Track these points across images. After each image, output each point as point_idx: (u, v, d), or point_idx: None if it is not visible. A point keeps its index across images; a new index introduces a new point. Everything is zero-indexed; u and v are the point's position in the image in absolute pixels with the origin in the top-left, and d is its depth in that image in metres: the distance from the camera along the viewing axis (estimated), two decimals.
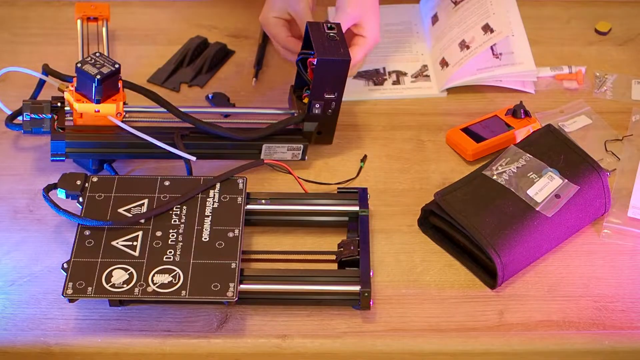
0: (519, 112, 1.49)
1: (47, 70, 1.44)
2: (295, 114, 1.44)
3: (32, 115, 1.38)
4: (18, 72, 1.45)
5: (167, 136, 1.39)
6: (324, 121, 1.43)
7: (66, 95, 1.39)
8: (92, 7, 1.59)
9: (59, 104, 1.40)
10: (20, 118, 1.41)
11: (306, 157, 1.44)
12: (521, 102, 1.50)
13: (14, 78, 1.49)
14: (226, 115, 1.49)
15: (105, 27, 1.58)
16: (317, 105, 1.41)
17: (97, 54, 1.37)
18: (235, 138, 1.41)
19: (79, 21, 1.57)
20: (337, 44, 1.37)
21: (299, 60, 1.41)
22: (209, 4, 1.72)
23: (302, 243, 1.35)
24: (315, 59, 1.36)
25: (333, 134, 1.45)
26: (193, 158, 1.38)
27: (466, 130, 1.48)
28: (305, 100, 1.42)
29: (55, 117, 1.39)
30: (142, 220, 1.30)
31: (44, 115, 1.38)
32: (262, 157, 1.42)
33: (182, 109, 1.41)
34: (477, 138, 1.47)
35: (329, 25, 1.40)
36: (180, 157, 1.38)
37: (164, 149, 1.37)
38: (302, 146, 1.43)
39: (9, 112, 1.44)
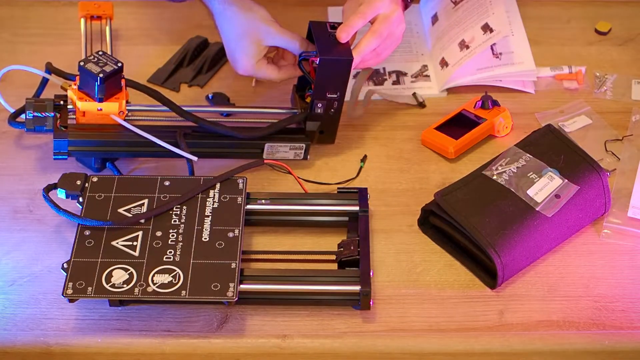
0: (487, 103, 1.49)
1: (50, 69, 1.44)
2: (298, 113, 1.44)
3: (35, 114, 1.38)
4: (18, 72, 1.45)
5: (169, 135, 1.39)
6: (327, 121, 1.43)
7: (69, 93, 1.39)
8: (96, 5, 1.59)
9: (61, 103, 1.40)
10: (23, 116, 1.41)
11: (308, 157, 1.44)
12: (486, 92, 1.50)
13: (14, 78, 1.49)
14: (226, 115, 1.49)
15: (108, 26, 1.58)
16: (320, 105, 1.41)
17: (100, 53, 1.37)
18: (238, 137, 1.41)
19: (82, 20, 1.57)
20: (340, 44, 1.38)
21: (300, 60, 1.41)
22: None
23: (302, 243, 1.35)
24: (318, 59, 1.37)
25: (335, 133, 1.45)
26: (195, 158, 1.38)
27: (440, 129, 1.48)
28: (308, 100, 1.42)
29: (58, 115, 1.39)
30: (142, 220, 1.30)
31: (47, 114, 1.38)
32: (264, 156, 1.42)
33: (184, 108, 1.41)
34: (455, 134, 1.46)
35: (332, 24, 1.40)
36: (181, 156, 1.38)
37: (166, 148, 1.37)
38: (304, 145, 1.43)
39: (12, 110, 1.44)
